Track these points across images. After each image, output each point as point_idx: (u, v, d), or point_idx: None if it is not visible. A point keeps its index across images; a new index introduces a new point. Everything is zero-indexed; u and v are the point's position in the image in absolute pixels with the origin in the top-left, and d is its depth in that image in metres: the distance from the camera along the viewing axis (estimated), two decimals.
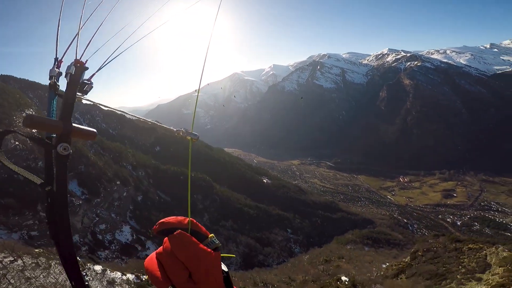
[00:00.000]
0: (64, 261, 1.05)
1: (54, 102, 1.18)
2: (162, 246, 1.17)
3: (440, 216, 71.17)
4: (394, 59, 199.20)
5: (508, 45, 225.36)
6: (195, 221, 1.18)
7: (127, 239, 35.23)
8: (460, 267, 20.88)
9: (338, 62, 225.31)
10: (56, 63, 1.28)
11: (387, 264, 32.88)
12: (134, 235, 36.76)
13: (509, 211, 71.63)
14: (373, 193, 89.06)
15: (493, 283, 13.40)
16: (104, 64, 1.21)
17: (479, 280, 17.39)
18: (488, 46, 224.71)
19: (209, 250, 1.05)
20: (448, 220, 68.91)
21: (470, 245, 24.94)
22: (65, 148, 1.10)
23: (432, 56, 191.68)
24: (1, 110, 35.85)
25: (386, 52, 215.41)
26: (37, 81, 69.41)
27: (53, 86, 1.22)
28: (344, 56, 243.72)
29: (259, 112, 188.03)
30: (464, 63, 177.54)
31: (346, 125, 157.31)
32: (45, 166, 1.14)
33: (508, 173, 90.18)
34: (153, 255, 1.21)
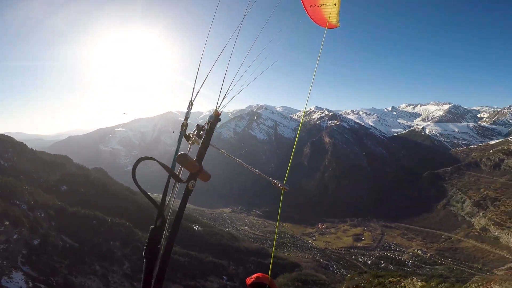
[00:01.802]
0: (147, 278, 1.29)
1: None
2: None
3: (353, 257, 78.71)
4: (319, 116, 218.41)
5: (404, 109, 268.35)
6: (273, 281, 1.56)
7: (20, 287, 28.44)
8: None
9: (273, 114, 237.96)
10: (190, 106, 1.62)
11: None
12: (30, 282, 29.53)
13: (404, 250, 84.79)
14: (297, 238, 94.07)
15: None
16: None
17: None
18: (390, 109, 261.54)
19: None
20: (360, 260, 76.68)
21: (390, 279, 28.06)
22: (193, 184, 1.45)
23: (348, 116, 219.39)
24: None
25: (313, 109, 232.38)
26: None
27: (185, 126, 1.56)
28: (278, 109, 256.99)
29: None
30: (372, 124, 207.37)
31: (274, 177, 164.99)
32: (163, 194, 1.42)
33: (400, 219, 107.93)
34: None
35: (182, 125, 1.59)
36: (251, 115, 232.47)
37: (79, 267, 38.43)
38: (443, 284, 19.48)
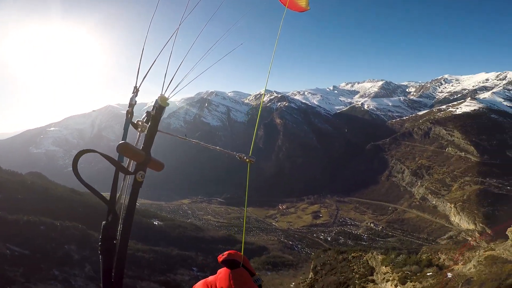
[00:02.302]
0: (106, 275, 1.23)
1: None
2: (215, 276, 1.48)
3: (314, 235, 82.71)
4: (269, 99, 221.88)
5: (344, 87, 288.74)
6: (246, 258, 1.49)
7: None
8: (354, 273, 25.16)
9: (224, 100, 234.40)
10: (135, 92, 1.51)
11: (293, 284, 35.55)
12: None
13: (358, 224, 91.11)
14: (261, 221, 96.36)
15: (401, 276, 16.77)
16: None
17: (373, 281, 21.39)
18: (331, 88, 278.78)
19: (256, 286, 1.37)
20: (321, 237, 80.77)
21: (352, 254, 30.60)
22: (142, 175, 1.34)
23: (295, 97, 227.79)
24: None
25: (263, 92, 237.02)
26: None
27: (131, 114, 1.44)
28: (229, 94, 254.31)
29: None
30: (316, 103, 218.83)
31: (231, 162, 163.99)
32: (111, 188, 1.32)
33: (352, 193, 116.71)
34: (204, 282, 1.51)
35: (127, 113, 1.42)
36: (202, 102, 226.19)
37: (36, 275, 34.97)
38: (401, 256, 21.75)
